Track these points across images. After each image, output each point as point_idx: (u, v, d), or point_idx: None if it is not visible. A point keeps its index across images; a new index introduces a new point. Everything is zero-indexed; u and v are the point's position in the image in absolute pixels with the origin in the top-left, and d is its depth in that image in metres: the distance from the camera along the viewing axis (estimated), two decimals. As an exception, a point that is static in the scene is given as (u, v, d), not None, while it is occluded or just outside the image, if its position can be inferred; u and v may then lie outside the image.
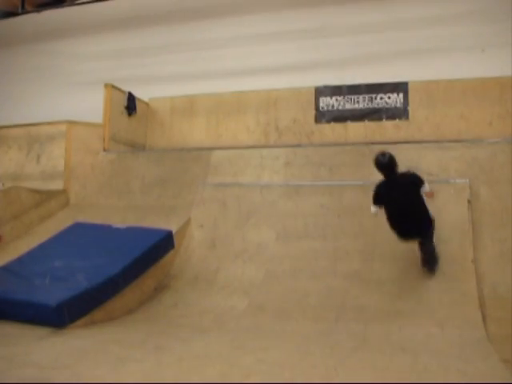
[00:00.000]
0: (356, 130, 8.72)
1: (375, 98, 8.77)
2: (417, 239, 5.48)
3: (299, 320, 5.24)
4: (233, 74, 9.74)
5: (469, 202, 6.19)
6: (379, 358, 4.15)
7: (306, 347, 4.46)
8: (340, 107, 8.92)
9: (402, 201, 5.31)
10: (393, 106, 8.66)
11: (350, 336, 4.80)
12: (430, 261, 5.47)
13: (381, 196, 5.45)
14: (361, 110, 8.81)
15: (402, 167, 7.00)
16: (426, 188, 5.42)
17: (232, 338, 4.81)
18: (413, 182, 5.42)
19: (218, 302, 5.79)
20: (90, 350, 4.23)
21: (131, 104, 9.32)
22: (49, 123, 8.73)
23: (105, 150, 8.75)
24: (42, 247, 6.34)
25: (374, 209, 5.51)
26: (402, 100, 8.63)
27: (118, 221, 6.95)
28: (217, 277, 6.24)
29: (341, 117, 8.87)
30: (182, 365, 3.93)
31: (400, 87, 8.67)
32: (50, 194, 8.13)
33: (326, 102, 8.99)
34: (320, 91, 9.05)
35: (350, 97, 8.92)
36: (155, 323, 5.34)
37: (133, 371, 3.74)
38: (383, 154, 5.44)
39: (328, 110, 8.97)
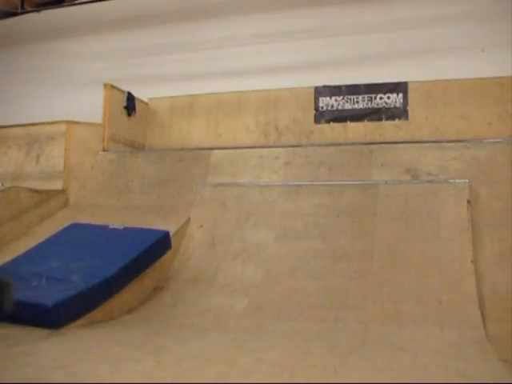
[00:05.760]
0: (356, 130, 8.72)
1: (375, 98, 8.77)
2: None
3: (299, 320, 5.24)
4: (233, 74, 9.74)
5: (468, 202, 6.19)
6: (379, 358, 4.15)
7: (306, 347, 4.46)
8: (339, 107, 8.92)
9: None
10: (392, 106, 8.66)
11: (349, 336, 4.79)
12: None
13: None
14: (360, 110, 8.81)
15: (401, 167, 7.06)
16: None
17: (231, 338, 4.81)
18: None
19: (218, 302, 5.78)
20: (89, 350, 4.22)
21: (131, 104, 9.32)
22: (48, 123, 8.72)
23: (104, 149, 8.75)
24: (38, 248, 6.34)
25: None
26: (401, 100, 8.62)
27: (118, 221, 6.95)
28: (216, 277, 6.24)
29: (340, 117, 8.86)
30: (182, 365, 3.92)
31: (399, 87, 8.66)
32: (49, 194, 8.12)
33: (325, 102, 8.99)
34: (319, 91, 9.04)
35: (349, 97, 8.91)
36: (155, 323, 5.34)
37: (132, 371, 3.73)
38: None
39: (327, 110, 8.97)
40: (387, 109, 8.67)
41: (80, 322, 4.98)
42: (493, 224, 6.04)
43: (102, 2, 10.09)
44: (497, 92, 8.04)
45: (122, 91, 9.18)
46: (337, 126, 8.84)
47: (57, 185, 8.34)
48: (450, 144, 7.18)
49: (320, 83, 9.01)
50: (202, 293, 5.99)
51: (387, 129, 8.58)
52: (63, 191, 8.36)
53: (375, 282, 5.63)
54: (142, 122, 9.75)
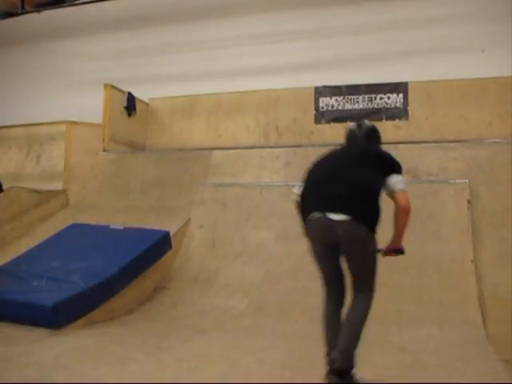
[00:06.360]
0: (356, 130, 8.72)
1: (375, 98, 8.77)
2: (337, 217, 3.12)
3: (299, 320, 5.24)
4: (233, 74, 9.73)
5: (469, 202, 6.19)
6: (379, 358, 4.15)
7: (306, 347, 4.46)
8: (340, 107, 8.92)
9: (344, 170, 3.30)
10: (393, 106, 8.66)
11: (349, 336, 4.79)
12: (344, 349, 3.15)
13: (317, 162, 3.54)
14: (360, 110, 8.81)
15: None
16: (397, 183, 3.25)
17: (232, 338, 4.81)
18: (385, 162, 3.35)
19: (218, 302, 5.79)
20: (89, 351, 4.23)
21: (131, 104, 9.32)
22: (48, 123, 8.73)
23: (104, 150, 8.75)
24: (39, 248, 6.34)
25: (297, 189, 3.48)
26: (401, 100, 8.63)
27: (118, 221, 6.95)
28: (217, 277, 6.24)
29: (340, 117, 8.86)
30: (182, 365, 3.93)
31: (400, 87, 8.67)
32: (49, 195, 8.13)
33: (325, 102, 8.99)
34: (320, 91, 9.04)
35: (349, 97, 8.92)
36: (155, 323, 5.34)
37: (133, 371, 3.74)
38: (359, 125, 3.66)
39: (328, 110, 8.97)
40: (387, 109, 8.68)
41: (80, 322, 4.99)
42: (493, 224, 6.03)
43: (102, 2, 10.09)
44: (497, 92, 8.04)
45: (123, 91, 9.18)
46: (337, 126, 8.82)
47: (57, 185, 8.35)
48: (451, 144, 7.18)
49: (320, 83, 9.01)
50: (203, 293, 5.99)
51: (387, 129, 8.56)
52: (63, 191, 8.36)
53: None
54: (143, 122, 9.75)
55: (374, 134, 3.62)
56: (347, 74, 8.96)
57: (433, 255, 5.77)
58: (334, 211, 3.08)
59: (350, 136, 3.62)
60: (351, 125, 3.73)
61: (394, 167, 3.29)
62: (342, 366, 2.99)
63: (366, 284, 3.25)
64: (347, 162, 3.32)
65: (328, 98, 8.99)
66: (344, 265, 3.33)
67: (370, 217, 3.13)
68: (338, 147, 3.64)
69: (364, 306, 3.26)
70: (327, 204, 3.12)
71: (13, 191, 7.82)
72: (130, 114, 9.35)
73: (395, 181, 3.21)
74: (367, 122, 3.74)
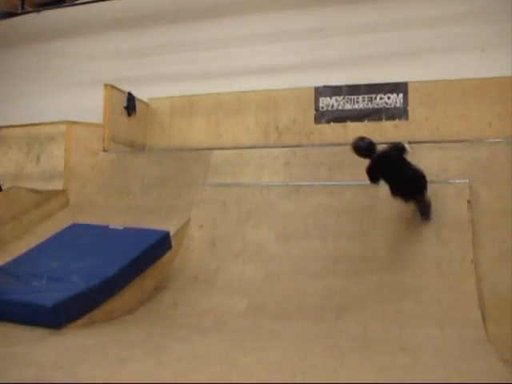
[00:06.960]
0: (356, 130, 8.70)
1: (375, 98, 8.77)
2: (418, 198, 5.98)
3: (299, 320, 5.24)
4: (233, 74, 9.73)
5: (468, 202, 6.20)
6: (379, 357, 4.15)
7: (306, 347, 4.46)
8: (340, 107, 8.92)
9: (398, 175, 5.77)
10: (392, 106, 8.66)
11: (349, 336, 4.79)
12: (425, 211, 6.02)
13: (376, 173, 5.82)
14: (360, 110, 8.81)
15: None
16: (407, 149, 5.82)
17: (232, 338, 4.81)
18: (397, 154, 5.80)
19: (218, 302, 5.79)
20: (89, 350, 4.23)
21: (131, 104, 9.32)
22: (49, 123, 8.72)
23: (104, 150, 8.75)
24: (39, 248, 6.34)
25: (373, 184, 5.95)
26: (401, 100, 8.62)
27: (118, 221, 6.95)
28: (217, 277, 6.24)
29: (340, 117, 8.86)
30: (182, 365, 3.93)
31: (400, 87, 8.66)
32: (49, 195, 8.13)
33: (325, 102, 8.99)
34: (320, 91, 9.04)
35: (349, 97, 8.91)
36: (155, 323, 5.34)
37: (133, 371, 3.74)
38: (362, 139, 5.81)
39: (328, 110, 8.97)
40: (387, 109, 8.67)
41: (80, 322, 4.99)
42: (493, 224, 6.03)
43: (102, 3, 10.09)
44: (497, 92, 8.03)
45: (123, 91, 9.18)
46: (337, 126, 8.84)
47: (57, 185, 8.35)
48: (451, 144, 7.18)
49: (320, 83, 9.01)
50: (203, 293, 6.00)
51: (387, 129, 8.58)
52: (63, 191, 8.36)
53: (375, 282, 5.63)
54: (142, 122, 9.75)
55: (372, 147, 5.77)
56: (347, 74, 8.96)
57: (433, 255, 5.77)
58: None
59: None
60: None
61: None
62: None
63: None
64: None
65: (328, 98, 8.99)
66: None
67: None
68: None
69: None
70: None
71: (13, 191, 7.82)
72: (129, 114, 9.35)
73: None
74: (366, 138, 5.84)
